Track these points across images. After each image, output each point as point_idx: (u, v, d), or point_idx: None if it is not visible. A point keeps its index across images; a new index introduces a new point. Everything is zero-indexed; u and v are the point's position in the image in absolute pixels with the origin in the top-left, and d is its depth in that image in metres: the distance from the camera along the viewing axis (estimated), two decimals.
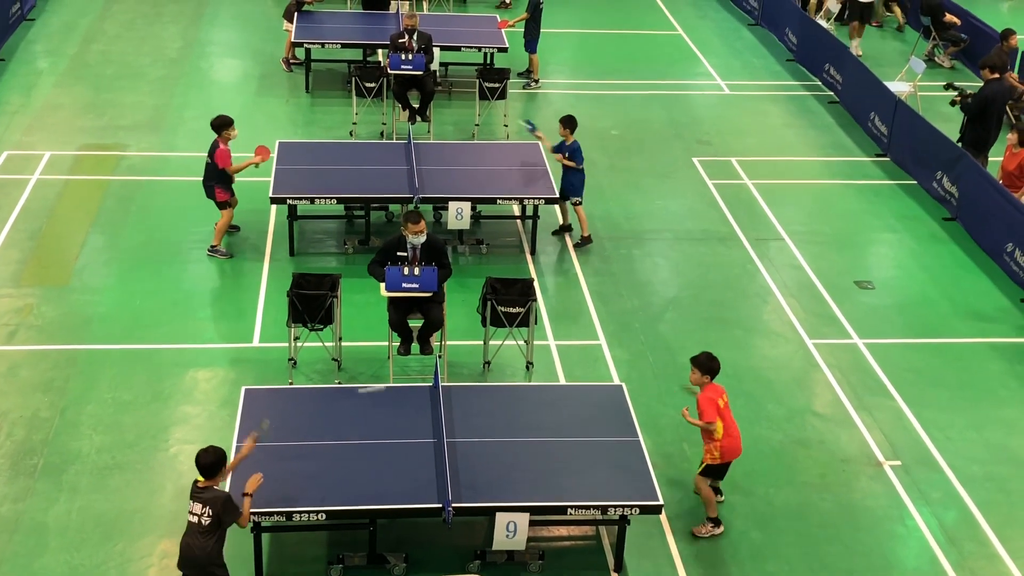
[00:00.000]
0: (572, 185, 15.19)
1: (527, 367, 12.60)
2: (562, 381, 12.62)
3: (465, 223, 14.46)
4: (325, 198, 14.50)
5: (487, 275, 12.66)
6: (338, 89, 19.85)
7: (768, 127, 19.40)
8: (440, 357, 12.08)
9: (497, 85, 17.99)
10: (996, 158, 17.07)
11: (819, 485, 11.40)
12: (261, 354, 12.89)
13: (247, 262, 14.59)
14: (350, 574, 10.00)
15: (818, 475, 11.53)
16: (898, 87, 19.76)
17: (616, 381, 12.52)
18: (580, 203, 15.23)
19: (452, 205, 14.33)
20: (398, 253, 12.14)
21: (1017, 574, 10.46)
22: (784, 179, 17.63)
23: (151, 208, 15.73)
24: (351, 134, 17.93)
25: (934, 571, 10.48)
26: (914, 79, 20.20)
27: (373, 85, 17.59)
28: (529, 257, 15.04)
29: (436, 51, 18.41)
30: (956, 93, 17.97)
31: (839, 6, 23.52)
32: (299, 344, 12.53)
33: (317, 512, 9.49)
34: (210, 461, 8.88)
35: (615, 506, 9.79)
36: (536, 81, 20.40)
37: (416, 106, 17.86)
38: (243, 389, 10.95)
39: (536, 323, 12.67)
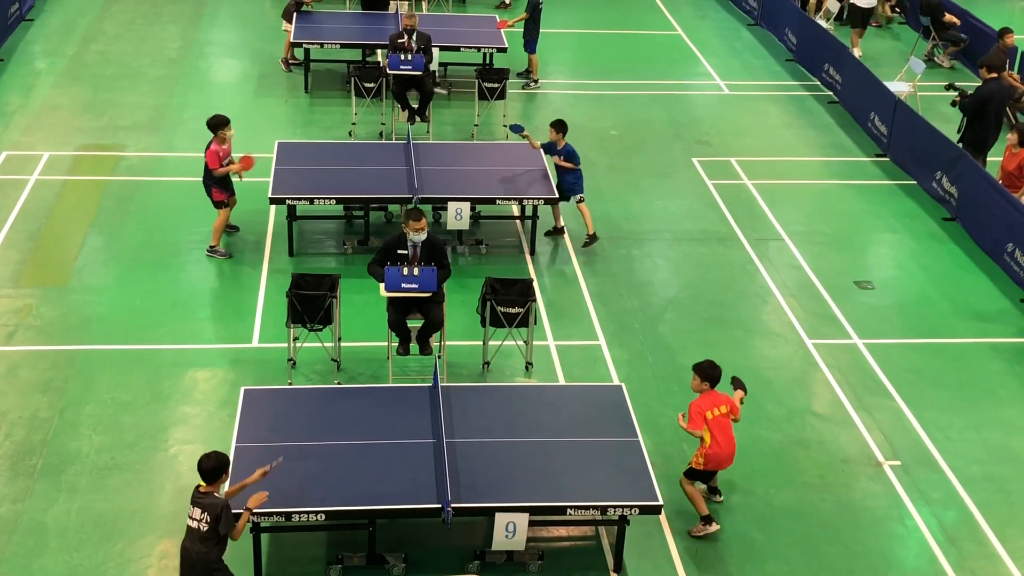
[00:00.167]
0: (573, 184, 15.20)
1: (526, 367, 12.59)
2: (562, 381, 12.61)
3: (464, 223, 14.46)
4: (324, 198, 14.49)
5: (486, 275, 12.65)
6: (337, 89, 19.85)
7: (768, 127, 19.40)
8: (439, 357, 12.07)
9: (496, 85, 17.98)
10: (996, 158, 17.06)
11: (819, 485, 11.39)
12: (260, 354, 12.88)
13: (246, 262, 14.58)
14: (349, 574, 9.99)
15: (818, 475, 11.52)
16: (898, 87, 19.76)
17: (616, 381, 12.51)
18: (583, 199, 15.24)
19: (451, 205, 14.33)
20: (398, 251, 12.14)
21: (1017, 574, 10.45)
22: (784, 179, 17.63)
23: (150, 208, 15.72)
24: (350, 134, 17.93)
25: (934, 571, 10.48)
26: (914, 79, 20.20)
27: (372, 85, 17.58)
28: (528, 257, 15.03)
29: (435, 51, 18.40)
30: (957, 94, 17.97)
31: (839, 6, 23.50)
32: (298, 344, 12.52)
33: (316, 512, 9.49)
34: (211, 466, 8.86)
35: (614, 506, 9.78)
36: (535, 81, 20.40)
37: (415, 106, 17.85)
38: (242, 389, 10.94)
39: (535, 323, 12.67)
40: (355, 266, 14.39)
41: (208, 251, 14.58)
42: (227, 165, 14.21)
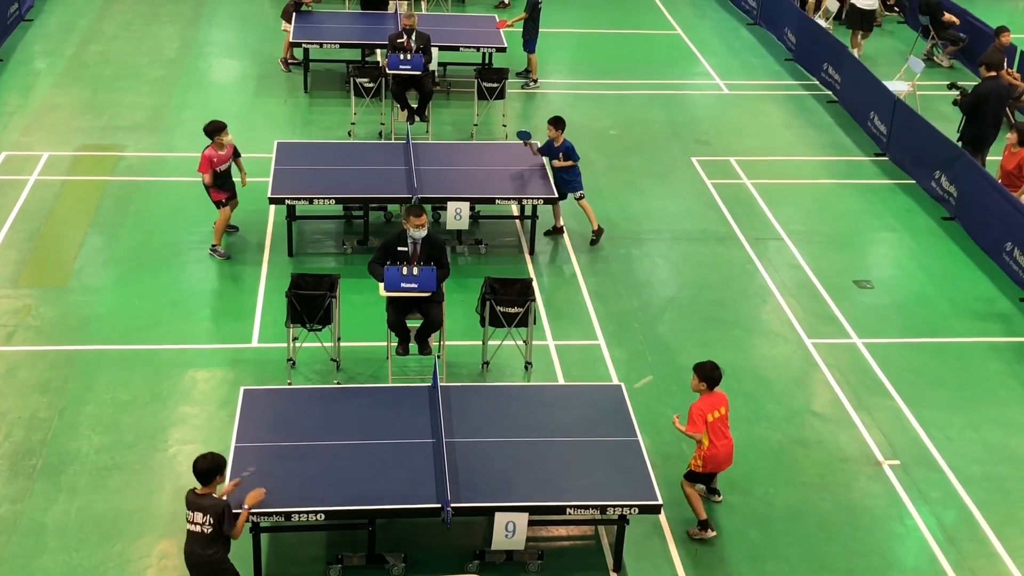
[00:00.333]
0: (571, 182, 15.21)
1: (526, 367, 12.59)
2: (561, 381, 12.61)
3: (464, 223, 14.45)
4: (324, 198, 14.49)
5: (486, 275, 12.65)
6: (336, 89, 19.84)
7: (767, 127, 19.40)
8: (439, 357, 12.07)
9: (496, 85, 17.98)
10: (996, 157, 17.07)
11: (818, 485, 11.39)
12: (260, 354, 12.88)
13: (246, 262, 14.58)
14: (349, 574, 9.99)
15: (817, 475, 11.52)
16: (897, 86, 19.76)
17: (615, 381, 12.51)
18: (583, 196, 15.25)
19: (451, 205, 14.33)
20: (399, 248, 12.14)
21: (1016, 573, 10.45)
22: (783, 179, 17.63)
23: (149, 208, 15.72)
24: (349, 134, 17.92)
25: (933, 570, 10.48)
26: (913, 78, 20.20)
27: (371, 85, 17.59)
28: (528, 257, 15.03)
29: (435, 51, 18.40)
30: (958, 92, 17.98)
31: (838, 5, 23.50)
32: (298, 344, 12.52)
33: (316, 512, 9.48)
34: (207, 467, 8.86)
35: (614, 506, 9.78)
36: (535, 81, 20.40)
37: (414, 106, 17.85)
38: (242, 389, 10.94)
39: (535, 323, 12.67)
40: (354, 266, 14.39)
41: (210, 250, 14.60)
42: (223, 171, 14.16)
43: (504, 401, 11.12)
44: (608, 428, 10.66)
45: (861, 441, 12.02)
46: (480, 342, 12.60)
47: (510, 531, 9.61)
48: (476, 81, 18.07)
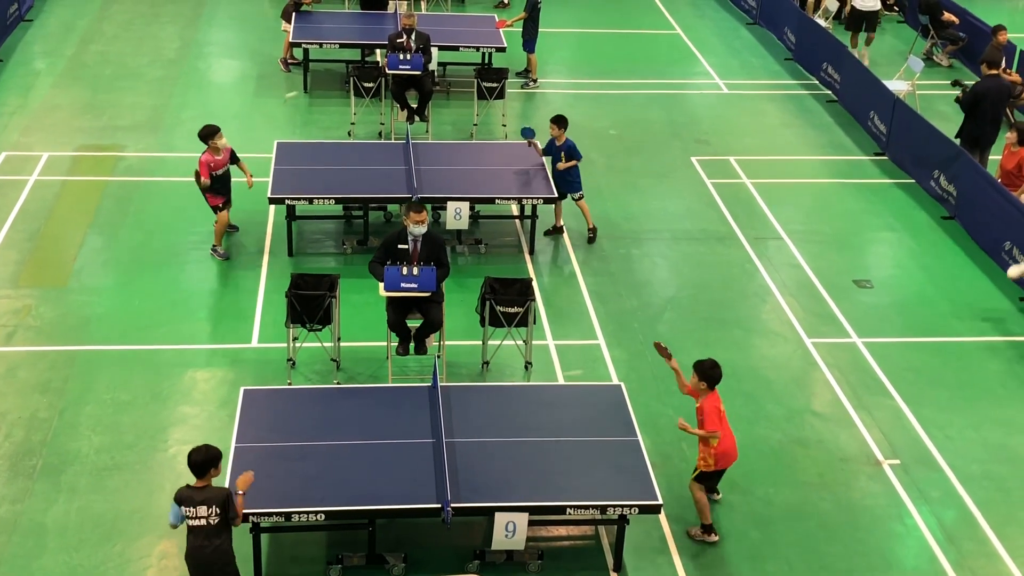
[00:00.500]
0: (572, 182, 15.22)
1: (526, 367, 12.59)
2: (561, 381, 12.62)
3: (464, 223, 14.45)
4: (323, 198, 14.49)
5: (486, 275, 12.66)
6: (336, 89, 19.85)
7: (767, 126, 19.40)
8: (439, 357, 12.07)
9: (495, 85, 17.98)
10: (996, 156, 17.07)
11: (818, 484, 11.39)
12: (260, 354, 12.88)
13: (246, 263, 14.58)
14: (349, 574, 10.00)
15: (817, 474, 11.52)
16: (896, 86, 19.76)
17: (615, 381, 12.51)
18: (582, 196, 15.28)
19: (451, 205, 14.33)
20: (399, 246, 12.14)
21: (1016, 573, 10.45)
22: (783, 178, 17.63)
23: (149, 209, 15.72)
24: (349, 134, 17.93)
25: (933, 570, 10.48)
26: (912, 78, 20.20)
27: (371, 85, 17.59)
28: (528, 257, 15.03)
29: (434, 51, 18.40)
30: (960, 90, 17.98)
31: (837, 5, 23.49)
32: (298, 344, 12.53)
33: (316, 512, 9.48)
34: (202, 459, 8.82)
35: (614, 506, 9.78)
36: (534, 81, 20.40)
37: (414, 106, 17.85)
38: (242, 390, 10.94)
39: (535, 323, 12.67)
40: (354, 266, 14.39)
41: (211, 250, 14.60)
42: (220, 175, 14.14)
43: (504, 401, 11.12)
44: (608, 428, 10.66)
45: (861, 441, 12.02)
46: (480, 342, 12.60)
47: (510, 531, 9.61)
48: (476, 81, 18.08)
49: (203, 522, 8.79)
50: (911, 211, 16.81)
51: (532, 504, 9.73)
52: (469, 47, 19.69)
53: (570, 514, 9.83)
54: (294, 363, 12.48)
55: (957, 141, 17.25)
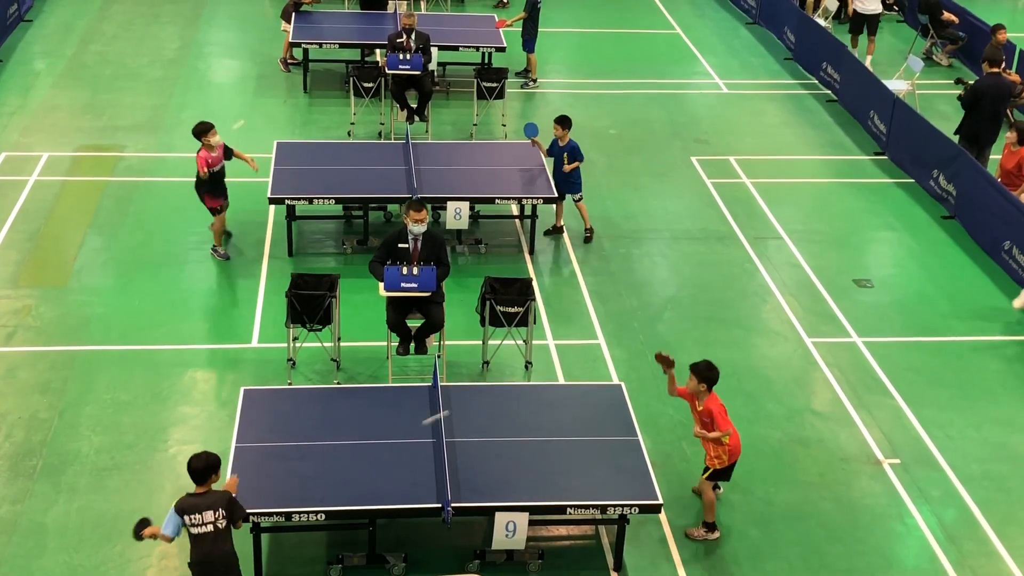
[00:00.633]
0: (573, 184, 15.22)
1: (526, 367, 12.59)
2: (561, 381, 12.61)
3: (464, 223, 14.45)
4: (323, 198, 14.49)
5: (486, 275, 12.66)
6: (336, 89, 19.84)
7: (766, 126, 19.40)
8: (439, 357, 12.07)
9: (495, 85, 17.98)
10: (997, 156, 17.06)
11: (818, 484, 11.39)
12: (260, 354, 12.88)
13: (246, 262, 14.58)
14: (349, 574, 9.99)
15: (817, 474, 11.52)
16: (896, 85, 19.76)
17: (615, 380, 12.51)
18: (582, 198, 15.29)
19: (450, 205, 14.33)
20: (399, 245, 12.13)
21: (1016, 572, 10.45)
22: (782, 178, 17.63)
23: (149, 209, 15.72)
24: (349, 134, 17.92)
25: (933, 569, 10.48)
26: (912, 77, 20.20)
27: (371, 85, 17.59)
28: (528, 257, 15.03)
29: (434, 51, 18.40)
30: (963, 88, 17.99)
31: (837, 4, 23.48)
32: (298, 344, 12.52)
33: (316, 512, 9.48)
34: (203, 465, 8.83)
35: (614, 505, 9.78)
36: (534, 81, 20.40)
37: (414, 106, 17.85)
38: (242, 390, 10.94)
39: (535, 323, 12.67)
40: (354, 266, 14.39)
41: (211, 250, 14.60)
42: (217, 172, 14.13)
43: (504, 401, 11.12)
44: (608, 427, 10.66)
45: (861, 440, 12.02)
46: (480, 342, 12.60)
47: (510, 531, 9.61)
48: (475, 81, 18.08)
49: (209, 528, 8.77)
50: (911, 210, 16.81)
51: (532, 504, 9.73)
52: (469, 47, 19.70)
53: (570, 514, 9.83)
54: (294, 363, 12.48)
55: (956, 138, 17.27)
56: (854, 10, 21.90)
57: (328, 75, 20.34)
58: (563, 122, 15.09)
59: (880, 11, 21.88)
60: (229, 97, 19.35)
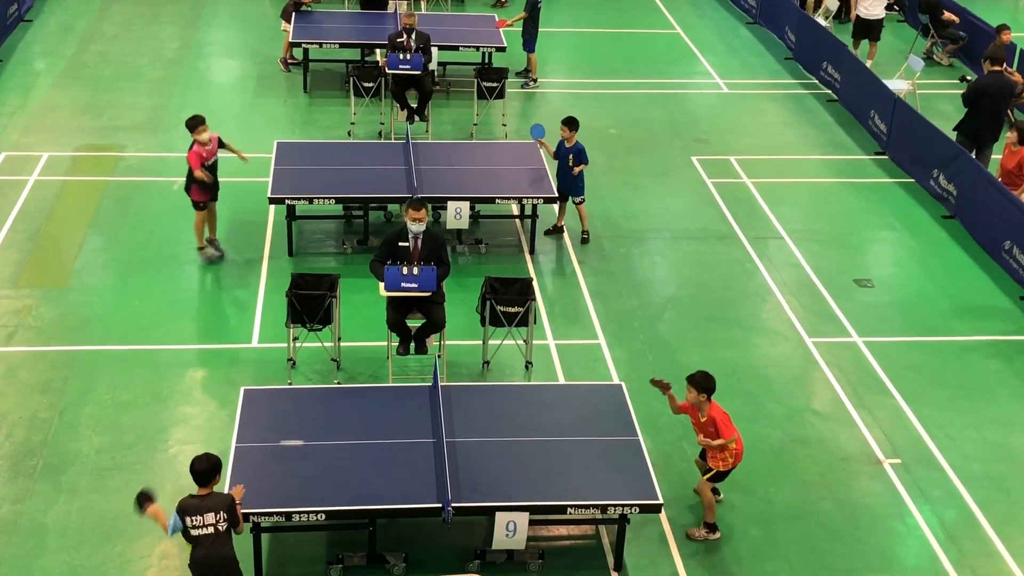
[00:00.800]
0: (576, 186, 15.22)
1: (526, 367, 12.59)
2: (561, 381, 12.61)
3: (464, 223, 14.45)
4: (323, 198, 14.49)
5: (486, 275, 12.66)
6: (336, 89, 19.84)
7: (767, 126, 19.40)
8: (439, 357, 12.06)
9: (495, 84, 17.98)
10: (997, 156, 17.06)
11: (819, 484, 11.39)
12: (260, 354, 12.88)
13: (246, 262, 14.58)
14: (350, 574, 9.99)
15: (818, 474, 11.52)
16: (897, 85, 19.76)
17: (615, 380, 12.51)
18: (583, 201, 15.30)
19: (451, 205, 14.32)
20: (399, 244, 12.13)
21: (1017, 572, 10.45)
22: (783, 178, 17.63)
23: (149, 209, 15.72)
24: (349, 134, 17.92)
25: (934, 569, 10.48)
26: (913, 77, 20.20)
27: (371, 85, 17.59)
28: (528, 256, 15.03)
29: (434, 50, 18.40)
30: (967, 86, 18.00)
31: (837, 4, 23.47)
32: (298, 344, 12.52)
33: (316, 512, 9.48)
34: (205, 467, 8.84)
35: (615, 505, 9.78)
36: (534, 80, 20.39)
37: (414, 106, 17.84)
38: (242, 389, 10.94)
39: (535, 323, 12.66)
40: (355, 266, 14.39)
41: (198, 252, 14.54)
42: (210, 165, 14.10)
43: (504, 401, 11.12)
44: (609, 428, 10.66)
45: (862, 440, 12.02)
46: (480, 342, 12.60)
47: (511, 531, 9.60)
48: (476, 81, 18.07)
49: (210, 529, 8.77)
50: (911, 210, 16.81)
51: (533, 504, 9.72)
52: (469, 47, 19.70)
53: (571, 514, 9.83)
54: (294, 363, 12.48)
55: (954, 134, 17.27)
56: (857, 15, 21.83)
57: (328, 75, 20.34)
58: (570, 123, 15.08)
59: (883, 16, 21.86)
60: (229, 97, 19.35)
